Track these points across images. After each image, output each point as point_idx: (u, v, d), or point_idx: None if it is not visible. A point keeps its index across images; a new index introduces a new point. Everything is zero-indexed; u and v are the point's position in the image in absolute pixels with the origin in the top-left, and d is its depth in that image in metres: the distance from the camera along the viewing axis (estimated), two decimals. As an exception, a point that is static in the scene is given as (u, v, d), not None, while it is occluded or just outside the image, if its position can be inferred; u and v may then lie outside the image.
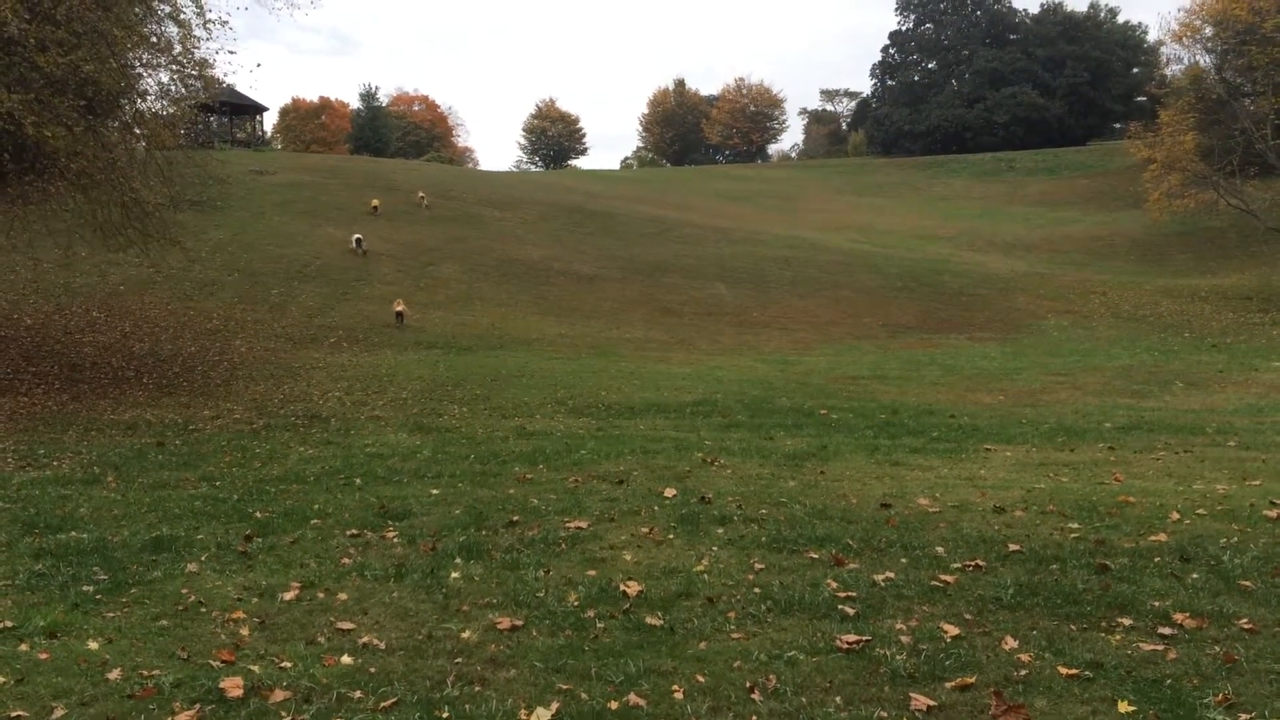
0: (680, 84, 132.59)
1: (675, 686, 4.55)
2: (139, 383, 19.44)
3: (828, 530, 7.44)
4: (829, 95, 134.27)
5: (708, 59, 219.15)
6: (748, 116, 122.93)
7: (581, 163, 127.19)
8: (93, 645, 5.28)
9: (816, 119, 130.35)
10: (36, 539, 7.80)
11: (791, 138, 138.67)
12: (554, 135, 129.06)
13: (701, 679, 4.64)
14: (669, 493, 9.13)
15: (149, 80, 22.53)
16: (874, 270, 42.38)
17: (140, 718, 4.32)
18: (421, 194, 48.56)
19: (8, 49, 17.30)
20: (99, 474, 11.32)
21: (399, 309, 30.66)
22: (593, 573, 6.48)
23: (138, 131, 22.82)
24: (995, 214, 63.73)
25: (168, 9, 21.33)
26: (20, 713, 4.37)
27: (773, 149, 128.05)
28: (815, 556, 6.74)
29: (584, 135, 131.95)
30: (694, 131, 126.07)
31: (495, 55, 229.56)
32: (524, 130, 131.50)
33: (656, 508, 8.48)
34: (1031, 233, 55.45)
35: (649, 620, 5.48)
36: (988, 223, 59.55)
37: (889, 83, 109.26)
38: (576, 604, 5.82)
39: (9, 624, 5.61)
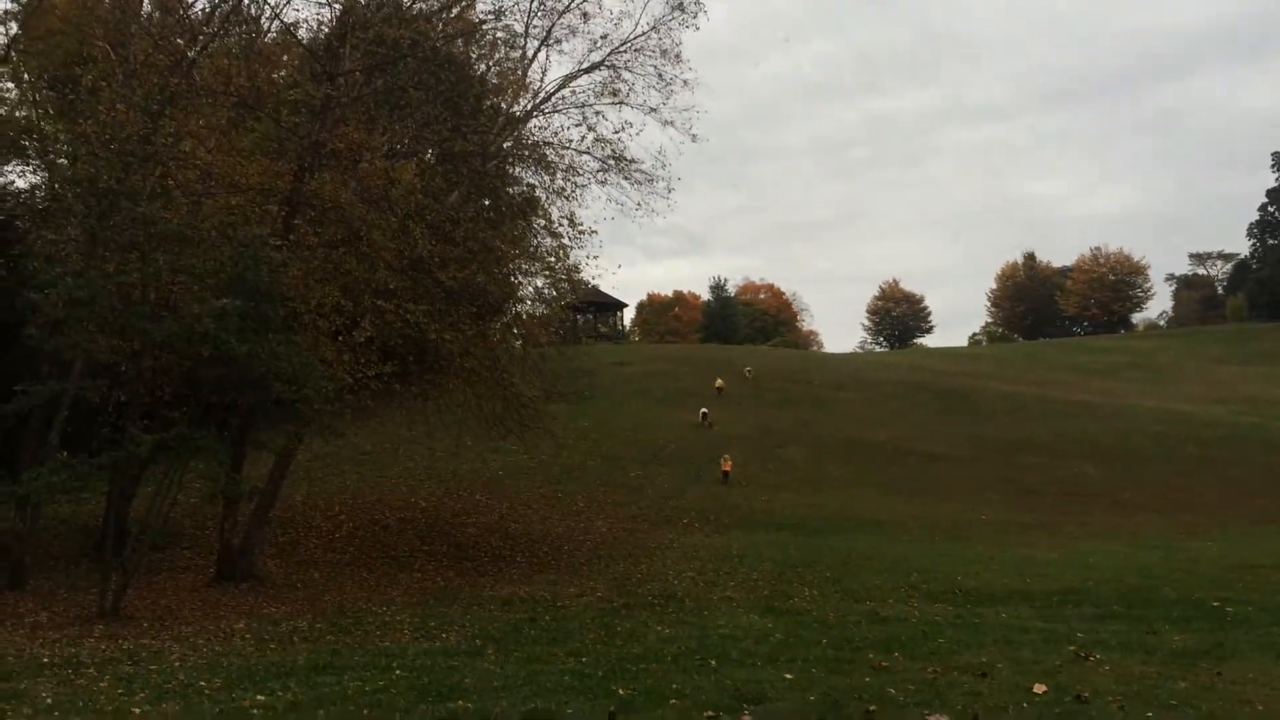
0: (1030, 257, 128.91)
1: None
2: (514, 560, 21.02)
3: (1229, 740, 6.62)
4: (1199, 259, 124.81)
5: (1057, 230, 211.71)
6: (1107, 286, 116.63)
7: (927, 341, 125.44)
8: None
9: (1187, 284, 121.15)
10: (429, 707, 8.55)
11: (1158, 305, 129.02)
12: (898, 315, 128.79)
13: None
14: (1039, 689, 8.51)
15: (526, 286, 25.20)
16: (1268, 446, 37.93)
17: None
18: (748, 368, 51.28)
19: (416, 267, 20.09)
20: (480, 646, 12.26)
21: (726, 468, 31.25)
22: (956, 771, 6.15)
23: (516, 331, 25.45)
24: None
25: (543, 223, 23.98)
26: None
27: (1137, 318, 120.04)
28: (1215, 769, 6.01)
29: (929, 314, 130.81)
30: (1047, 304, 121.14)
31: (839, 241, 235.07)
32: (868, 312, 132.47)
33: (1025, 704, 7.94)
34: None
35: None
36: None
37: (1270, 241, 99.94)
38: (940, 803, 5.54)
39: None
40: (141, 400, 16.84)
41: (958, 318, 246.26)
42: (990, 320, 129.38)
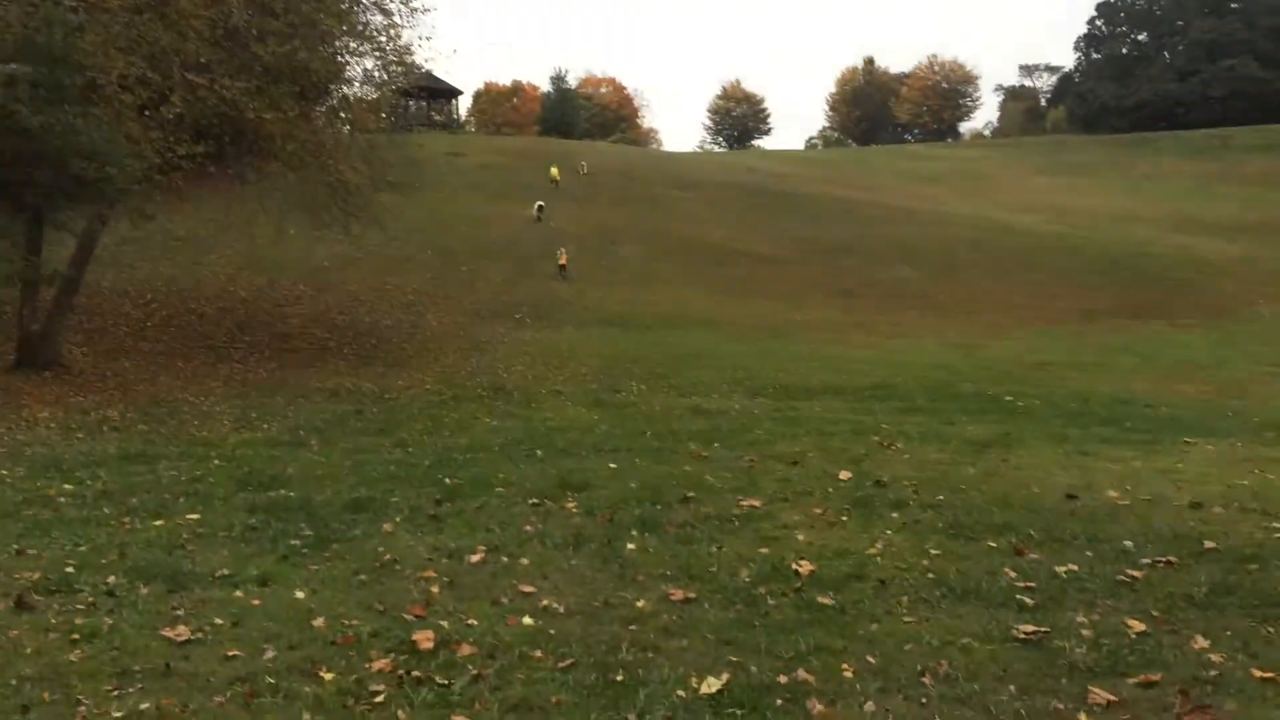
0: (869, 62, 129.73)
1: (845, 665, 4.56)
2: (340, 353, 20.66)
3: (1008, 519, 7.24)
4: (1028, 70, 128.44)
5: (898, 36, 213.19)
6: (939, 94, 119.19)
7: (765, 143, 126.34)
8: (299, 595, 5.69)
9: (1013, 95, 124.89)
10: (250, 495, 8.46)
11: (986, 115, 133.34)
12: (739, 116, 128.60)
13: (872, 660, 4.63)
14: (844, 475, 9.06)
15: (355, 68, 23.75)
16: (1070, 253, 40.45)
17: (341, 663, 4.65)
18: (583, 163, 50.90)
19: (231, 38, 18.57)
20: (304, 437, 12.13)
21: (562, 262, 31.39)
22: (765, 550, 6.53)
23: (343, 116, 24.14)
24: (1207, 194, 59.62)
25: (374, -2, 22.37)
26: (236, 652, 4.78)
27: (965, 127, 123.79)
28: (994, 545, 6.58)
29: (768, 115, 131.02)
30: (882, 110, 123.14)
31: (682, 36, 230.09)
32: (709, 111, 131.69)
33: (831, 489, 8.45)
34: (1246, 214, 51.58)
35: (820, 600, 5.49)
36: (1198, 203, 55.77)
37: (1094, 56, 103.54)
38: (748, 580, 5.88)
39: (226, 571, 6.12)
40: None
41: (799, 121, 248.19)
42: (828, 125, 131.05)
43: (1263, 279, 36.15)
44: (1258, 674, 4.36)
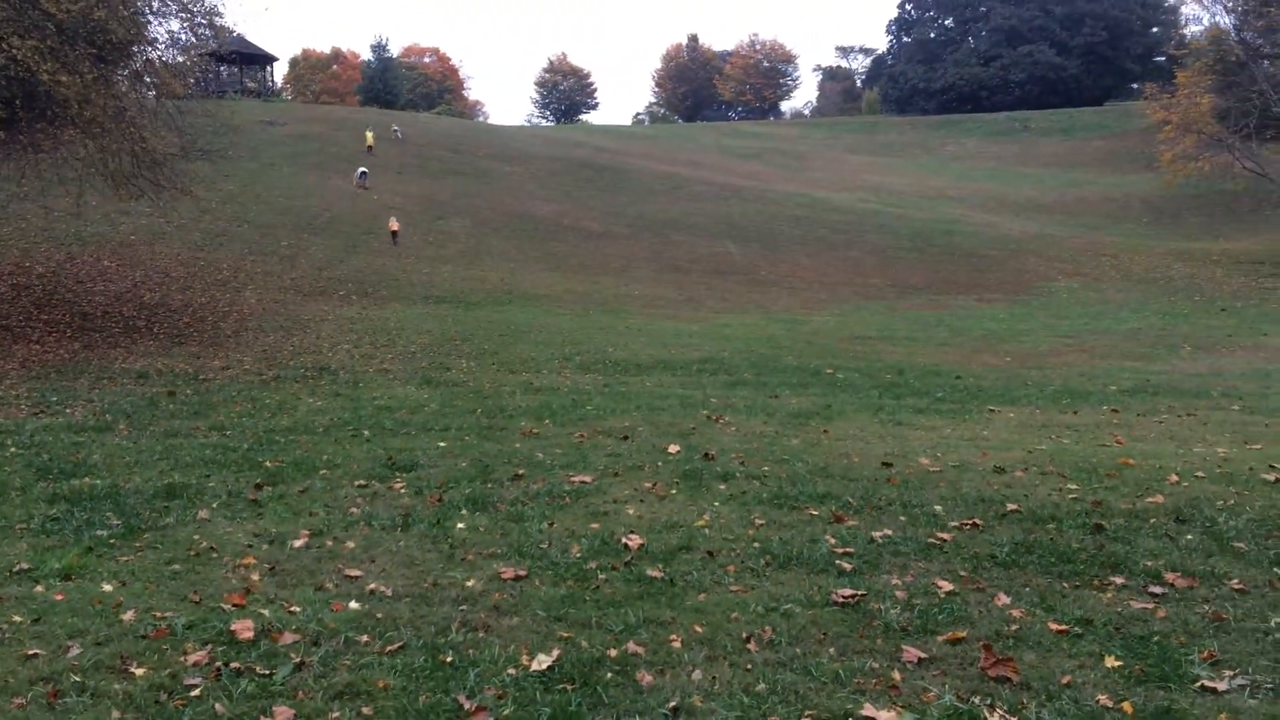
0: (693, 39, 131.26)
1: (673, 636, 4.67)
2: (150, 332, 19.57)
3: (828, 488, 7.54)
4: (844, 52, 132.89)
5: (722, 13, 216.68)
6: (761, 73, 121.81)
7: (593, 118, 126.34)
8: (107, 588, 5.40)
9: (830, 76, 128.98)
10: (50, 484, 7.95)
11: (805, 95, 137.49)
12: (565, 90, 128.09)
13: (699, 629, 4.75)
14: (673, 449, 9.23)
15: (159, 29, 22.47)
16: (884, 230, 42.23)
17: (154, 658, 4.44)
18: (396, 127, 50.27)
19: (19, -7, 17.24)
20: (111, 422, 11.46)
21: (394, 228, 30.70)
22: (596, 526, 6.59)
23: (148, 80, 22.80)
24: (1008, 174, 63.29)
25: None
26: (37, 651, 4.50)
27: (786, 106, 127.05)
28: (815, 513, 6.85)
29: (595, 90, 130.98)
30: (707, 87, 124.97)
31: (508, 9, 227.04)
32: (535, 84, 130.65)
33: (660, 463, 8.59)
34: (1044, 194, 55.08)
35: (650, 572, 5.59)
36: (1000, 183, 59.15)
37: (905, 39, 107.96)
38: (579, 556, 5.93)
39: (25, 566, 5.74)
40: None
41: (626, 96, 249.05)
42: (654, 101, 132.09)
43: (1060, 256, 38.70)
44: (1054, 627, 4.70)
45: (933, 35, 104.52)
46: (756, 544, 6.11)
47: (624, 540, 6.18)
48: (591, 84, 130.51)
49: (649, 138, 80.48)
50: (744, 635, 4.66)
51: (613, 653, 4.47)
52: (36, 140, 23.26)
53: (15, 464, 8.79)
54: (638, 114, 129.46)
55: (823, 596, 5.16)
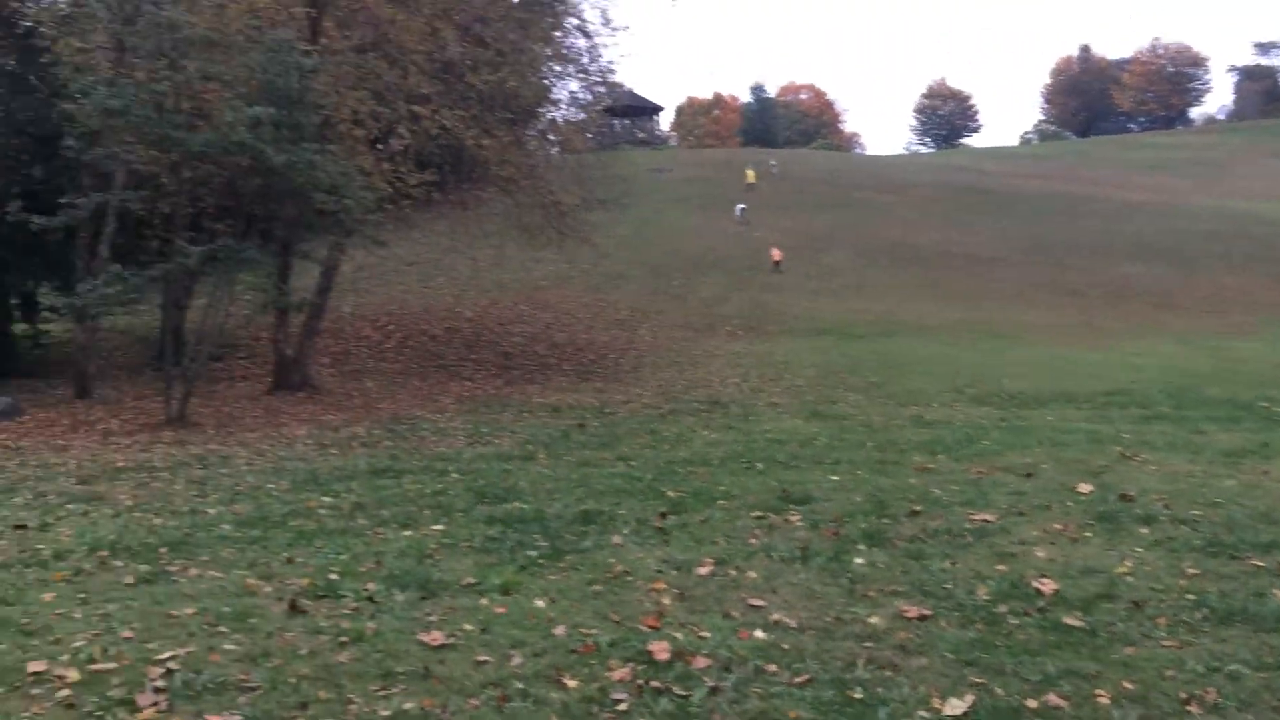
0: (1085, 49, 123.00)
1: (1099, 691, 4.35)
2: (560, 369, 21.37)
3: (1275, 536, 6.70)
4: (1263, 48, 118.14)
5: (1114, 20, 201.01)
6: (1165, 78, 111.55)
7: (975, 141, 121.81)
8: (539, 604, 5.92)
9: (1248, 76, 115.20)
10: (487, 507, 8.85)
11: (1219, 98, 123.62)
12: (946, 114, 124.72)
13: (1129, 685, 4.39)
14: (1083, 488, 8.62)
15: (561, 90, 24.63)
16: (1328, 242, 36.96)
17: (583, 671, 4.81)
18: (773, 162, 50.72)
19: (448, 70, 19.63)
20: (532, 451, 12.59)
21: (777, 258, 31.21)
22: (1002, 567, 6.30)
23: (551, 138, 25.05)
24: None
25: (575, 21, 23.13)
26: (486, 657, 5.02)
27: (1196, 112, 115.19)
28: (1260, 564, 6.10)
29: (977, 112, 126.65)
30: (1101, 99, 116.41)
31: (882, 38, 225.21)
32: (914, 111, 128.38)
33: (1070, 503, 8.06)
34: None
35: (1067, 620, 5.25)
36: None
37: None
38: (986, 598, 5.69)
39: (471, 580, 6.43)
40: (185, 212, 16.89)
41: (1008, 116, 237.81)
42: (1043, 118, 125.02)
43: None
44: None
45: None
46: (1190, 596, 5.55)
47: (1035, 584, 5.85)
48: (973, 106, 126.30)
49: (1038, 156, 76.24)
50: (1182, 696, 4.25)
51: (1032, 703, 4.24)
52: (463, 199, 26.31)
53: (458, 488, 9.90)
54: (1025, 133, 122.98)
55: (1275, 658, 4.59)
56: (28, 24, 20.17)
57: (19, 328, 24.21)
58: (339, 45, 18.77)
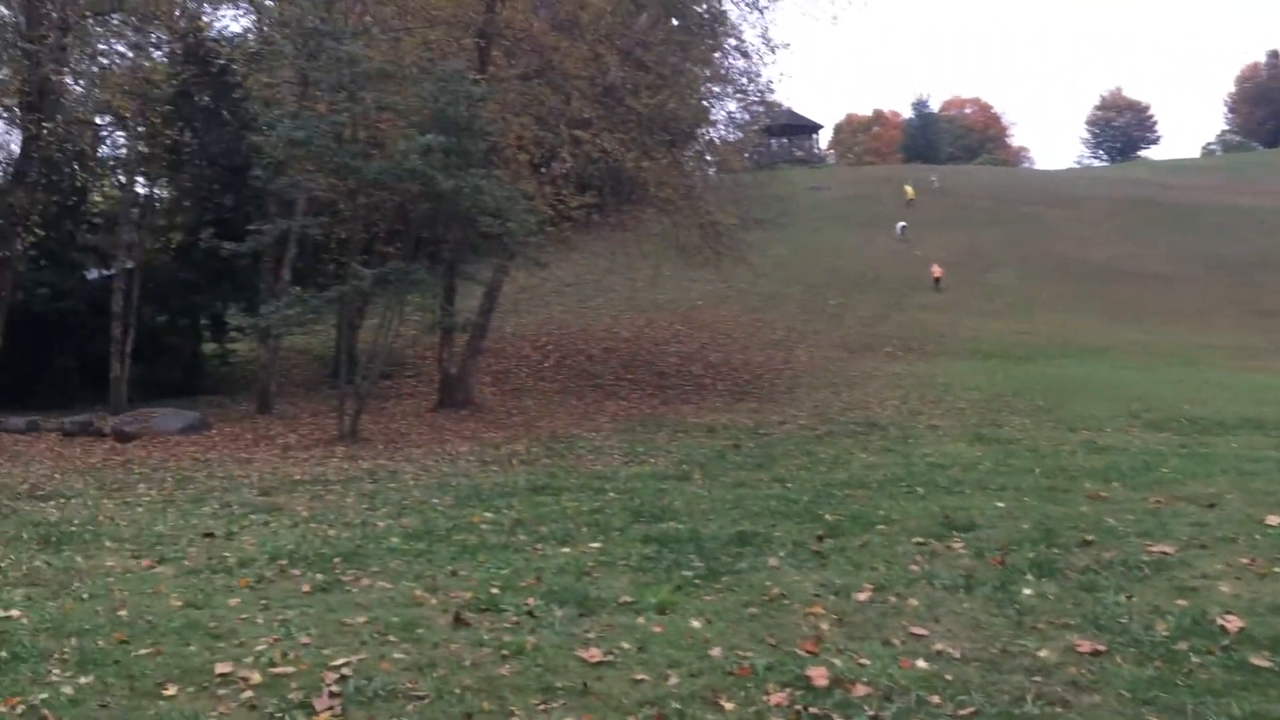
0: (1273, 55, 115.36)
1: (1294, 739, 4.07)
2: (715, 389, 21.40)
3: None
4: None
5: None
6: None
7: (1153, 153, 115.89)
8: (695, 624, 5.93)
9: None
10: (643, 527, 8.95)
11: None
12: (1121, 126, 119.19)
13: (1330, 735, 4.10)
14: (1272, 520, 8.06)
15: (718, 111, 24.78)
16: None
17: (740, 694, 4.79)
18: (934, 178, 49.45)
19: (609, 94, 20.03)
20: (687, 471, 12.65)
21: (937, 275, 30.43)
22: (1183, 602, 5.95)
23: (709, 159, 25.19)
24: None
25: (733, 42, 23.23)
26: (643, 676, 5.06)
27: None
28: None
29: (1155, 123, 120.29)
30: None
31: (1052, 48, 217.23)
32: (1086, 124, 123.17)
33: (1258, 536, 7.56)
34: None
35: (1254, 660, 4.93)
36: None
37: None
38: (1165, 634, 5.39)
39: (628, 599, 6.50)
40: (359, 237, 17.78)
41: (1189, 127, 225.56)
42: (1227, 128, 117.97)
43: None
44: None
45: None
46: (1400, 641, 5.12)
47: (1219, 621, 5.51)
48: (1150, 117, 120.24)
49: (1222, 169, 72.05)
50: (1393, 750, 3.93)
51: (1217, 748, 4.01)
52: (621, 221, 26.74)
53: (614, 507, 10.04)
54: (1207, 144, 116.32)
55: None
56: (221, 62, 21.70)
57: (208, 347, 25.94)
58: (505, 73, 19.44)
